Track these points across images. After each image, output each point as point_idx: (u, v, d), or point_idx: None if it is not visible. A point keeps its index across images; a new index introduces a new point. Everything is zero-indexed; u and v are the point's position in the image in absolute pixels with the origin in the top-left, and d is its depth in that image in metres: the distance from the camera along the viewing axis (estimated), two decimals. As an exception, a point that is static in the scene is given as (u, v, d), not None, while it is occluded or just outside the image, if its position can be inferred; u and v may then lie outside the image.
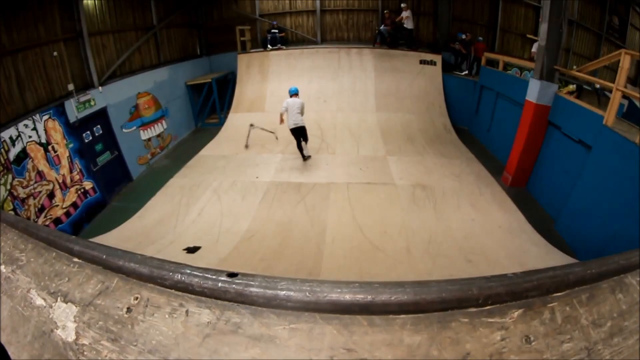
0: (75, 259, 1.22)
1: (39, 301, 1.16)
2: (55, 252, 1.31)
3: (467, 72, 12.19)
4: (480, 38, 12.02)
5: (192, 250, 6.93)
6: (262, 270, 5.59)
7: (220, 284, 0.90)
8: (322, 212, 7.07)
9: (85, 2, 10.19)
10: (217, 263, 6.10)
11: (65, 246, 1.29)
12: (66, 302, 1.11)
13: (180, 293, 0.97)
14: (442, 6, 13.07)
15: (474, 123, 11.16)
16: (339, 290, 0.82)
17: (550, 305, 0.81)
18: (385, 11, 13.34)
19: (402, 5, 12.42)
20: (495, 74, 10.07)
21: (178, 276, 0.96)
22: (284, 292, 0.83)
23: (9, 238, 1.59)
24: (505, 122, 8.95)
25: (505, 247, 5.55)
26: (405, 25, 12.35)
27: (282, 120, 9.26)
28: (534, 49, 9.67)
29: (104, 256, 1.14)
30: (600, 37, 12.62)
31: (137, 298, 1.00)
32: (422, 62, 11.94)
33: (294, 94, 9.38)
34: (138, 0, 12.49)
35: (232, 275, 0.91)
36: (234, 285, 0.87)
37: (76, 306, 1.05)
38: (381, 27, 12.88)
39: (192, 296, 0.94)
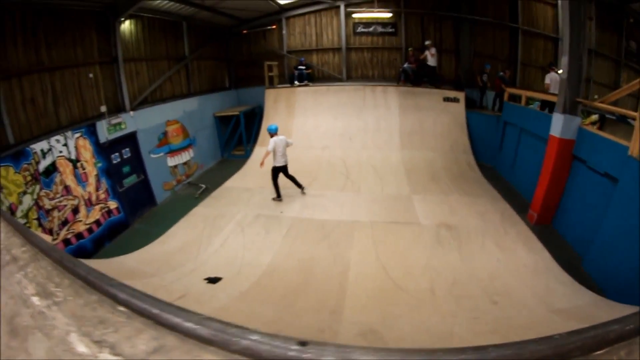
0: (121, 308, 1.18)
1: (82, 348, 1.09)
2: (96, 295, 1.28)
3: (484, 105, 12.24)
4: (501, 73, 11.90)
5: (213, 280, 6.92)
6: (283, 307, 5.67)
7: (290, 353, 0.87)
8: (345, 250, 7.05)
9: (122, 29, 10.69)
10: (237, 296, 6.16)
11: (108, 291, 1.27)
12: (115, 355, 1.04)
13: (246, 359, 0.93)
14: (464, 42, 13.20)
15: (498, 160, 11.01)
16: (411, 357, 0.87)
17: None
18: (409, 49, 13.53)
19: (427, 42, 12.60)
20: (518, 109, 9.97)
21: (244, 342, 0.92)
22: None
23: (42, 267, 1.58)
24: (530, 158, 8.83)
25: (531, 286, 5.46)
26: (428, 63, 12.47)
27: (263, 163, 9.38)
28: (547, 81, 9.60)
29: (157, 311, 1.10)
30: (618, 64, 12.65)
31: (199, 363, 0.97)
32: (446, 99, 12.01)
33: (275, 132, 9.51)
34: (171, 32, 13.14)
35: (302, 343, 0.87)
36: (305, 355, 0.85)
37: (128, 362, 1.02)
38: (405, 65, 13.05)
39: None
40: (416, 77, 12.88)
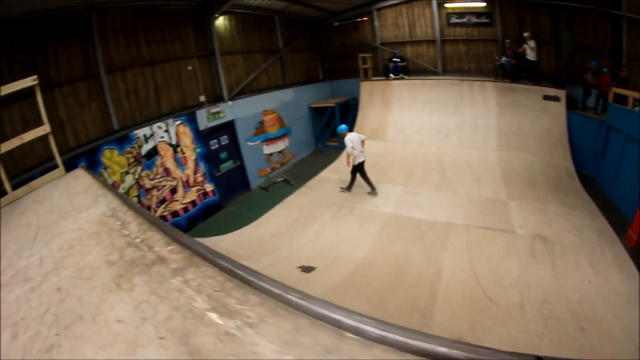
0: (348, 334, 1.09)
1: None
2: (308, 319, 1.17)
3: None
4: (605, 69, 10.62)
5: (307, 269, 7.08)
6: (375, 304, 5.85)
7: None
8: (439, 252, 7.09)
9: (217, 24, 11.50)
10: (331, 288, 6.30)
11: (329, 318, 1.17)
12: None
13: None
14: (563, 33, 12.00)
15: (599, 169, 10.02)
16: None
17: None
18: (506, 41, 12.88)
19: (525, 34, 11.84)
20: (625, 112, 8.90)
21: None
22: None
23: (207, 275, 1.68)
24: (635, 171, 7.97)
25: (622, 319, 5.18)
26: (527, 57, 11.78)
27: (349, 162, 9.73)
28: None
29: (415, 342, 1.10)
30: None
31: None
32: (546, 97, 11.26)
33: (346, 131, 9.81)
34: (265, 25, 13.89)
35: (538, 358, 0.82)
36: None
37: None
38: (502, 59, 12.53)
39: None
40: (514, 72, 12.27)
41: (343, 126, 10.17)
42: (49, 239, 3.19)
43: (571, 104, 11.06)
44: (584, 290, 5.75)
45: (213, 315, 1.37)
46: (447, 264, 6.76)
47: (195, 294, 1.52)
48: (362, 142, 9.78)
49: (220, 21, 12.00)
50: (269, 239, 8.55)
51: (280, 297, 1.34)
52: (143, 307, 1.77)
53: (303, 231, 8.69)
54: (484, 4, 13.42)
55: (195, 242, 2.13)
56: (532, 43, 11.64)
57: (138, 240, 2.62)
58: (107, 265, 2.38)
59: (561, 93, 11.10)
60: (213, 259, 1.84)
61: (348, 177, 10.70)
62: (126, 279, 2.11)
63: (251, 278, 1.54)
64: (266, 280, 1.50)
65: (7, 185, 4.97)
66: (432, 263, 6.84)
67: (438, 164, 11.23)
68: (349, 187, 10.30)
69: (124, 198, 3.78)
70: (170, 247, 2.25)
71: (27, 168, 7.24)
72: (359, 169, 9.93)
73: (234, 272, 1.69)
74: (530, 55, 11.75)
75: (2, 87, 4.97)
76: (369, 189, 10.05)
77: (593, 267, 6.22)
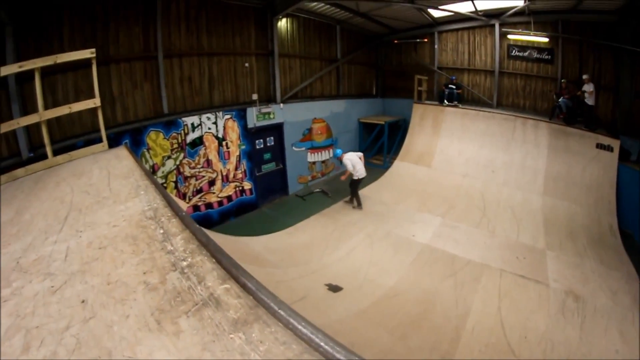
0: None
1: None
2: None
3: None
4: None
5: (334, 288, 7.05)
6: (397, 338, 5.82)
7: None
8: (469, 294, 7.03)
9: (279, 26, 11.82)
10: (355, 312, 6.32)
11: None
12: None
13: None
14: (624, 79, 11.32)
15: None
16: None
17: None
18: (562, 80, 12.47)
19: (584, 77, 11.40)
20: None
21: None
22: None
23: (280, 341, 1.34)
24: None
25: None
26: (586, 101, 11.35)
27: (345, 177, 10.45)
28: None
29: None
30: None
31: None
32: (599, 146, 10.75)
33: (341, 154, 10.60)
34: (325, 33, 14.16)
35: None
36: None
37: None
38: (560, 100, 12.12)
39: None
40: (570, 115, 11.87)
41: (339, 151, 10.93)
42: (79, 227, 2.89)
43: (623, 156, 10.54)
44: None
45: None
46: (476, 308, 6.67)
47: (252, 351, 1.27)
48: (360, 158, 10.48)
49: (283, 23, 12.36)
50: (299, 249, 8.63)
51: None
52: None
53: (335, 247, 8.74)
54: (546, 40, 13.11)
55: (260, 287, 1.75)
56: (590, 87, 11.24)
57: (185, 263, 2.18)
58: (144, 289, 1.98)
59: (615, 143, 10.58)
60: (287, 319, 1.48)
61: (390, 198, 11.06)
62: (170, 318, 1.71)
63: (340, 357, 1.28)
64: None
65: (48, 150, 5.05)
66: (460, 304, 6.78)
67: (480, 200, 11.10)
68: (359, 203, 10.79)
69: (169, 198, 3.35)
70: (226, 286, 1.86)
71: (72, 135, 7.59)
72: (358, 183, 10.50)
73: (315, 343, 1.37)
74: (589, 99, 11.35)
75: (60, 55, 5.14)
76: (354, 204, 10.71)
77: (622, 335, 6.04)
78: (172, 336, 1.56)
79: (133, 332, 1.65)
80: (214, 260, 2.11)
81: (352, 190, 10.92)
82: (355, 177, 10.58)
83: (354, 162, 10.45)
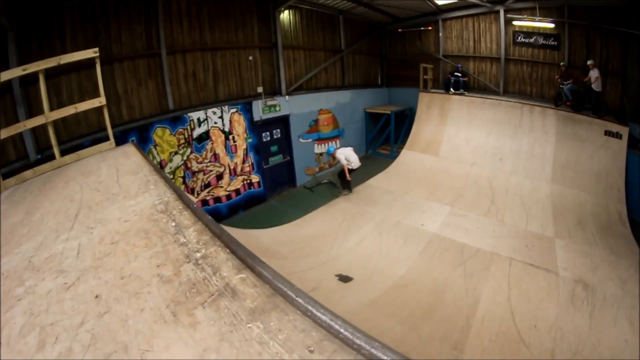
0: None
1: None
2: None
3: None
4: None
5: (344, 279, 7.09)
6: (409, 328, 5.85)
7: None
8: (479, 283, 7.05)
9: (281, 18, 11.80)
10: (366, 303, 6.36)
11: None
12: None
13: None
14: (632, 64, 11.01)
15: None
16: None
17: None
18: (562, 63, 12.21)
19: (589, 63, 11.18)
20: None
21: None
22: None
23: (299, 329, 1.33)
24: None
25: None
26: (593, 87, 11.17)
27: (349, 175, 10.62)
28: None
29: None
30: None
31: None
32: (607, 133, 10.61)
33: (334, 150, 10.90)
34: (329, 24, 14.10)
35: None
36: None
37: None
38: (566, 87, 11.90)
39: None
40: (578, 101, 11.67)
41: (331, 148, 11.24)
42: (90, 224, 2.88)
43: (632, 143, 10.38)
44: (617, 348, 5.60)
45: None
46: (486, 297, 6.72)
47: (284, 353, 1.25)
48: (353, 151, 10.80)
49: (285, 15, 12.32)
50: (309, 240, 8.68)
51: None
52: (211, 356, 1.40)
53: (344, 238, 8.78)
54: (552, 25, 12.87)
55: (277, 275, 1.71)
56: (597, 72, 11.07)
57: (198, 255, 2.16)
58: (159, 281, 1.96)
59: (624, 130, 10.43)
60: (305, 307, 1.46)
61: (398, 187, 11.15)
62: (186, 310, 1.69)
63: (360, 343, 1.26)
64: (379, 348, 1.24)
65: (55, 150, 5.07)
66: (470, 293, 6.82)
67: (489, 189, 11.07)
68: (349, 189, 11.10)
69: (179, 191, 3.31)
70: (242, 275, 1.84)
71: (78, 135, 7.67)
72: (351, 172, 10.74)
73: (335, 329, 1.35)
74: (596, 86, 11.18)
75: (63, 56, 5.15)
76: (345, 191, 10.97)
77: (631, 324, 6.02)
78: (188, 328, 1.56)
79: (149, 325, 1.64)
80: (228, 250, 2.10)
81: (341, 180, 11.22)
82: (350, 168, 10.77)
83: (347, 154, 10.66)
